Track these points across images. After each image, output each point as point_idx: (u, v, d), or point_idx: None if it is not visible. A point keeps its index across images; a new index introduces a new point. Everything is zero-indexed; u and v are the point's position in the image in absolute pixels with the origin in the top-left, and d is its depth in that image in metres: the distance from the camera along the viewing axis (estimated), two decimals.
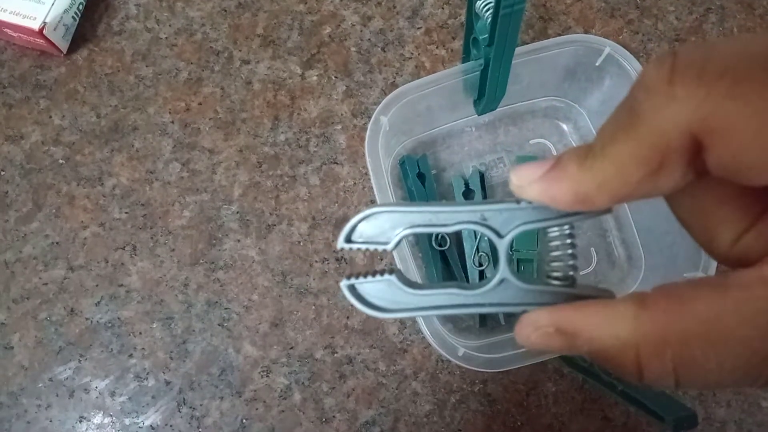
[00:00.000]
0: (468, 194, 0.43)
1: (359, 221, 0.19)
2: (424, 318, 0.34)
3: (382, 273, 0.20)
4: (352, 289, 0.20)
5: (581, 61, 0.40)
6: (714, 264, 0.35)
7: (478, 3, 0.34)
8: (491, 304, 0.20)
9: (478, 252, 0.42)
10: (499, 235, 0.19)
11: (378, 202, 0.36)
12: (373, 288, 0.20)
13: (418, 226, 0.19)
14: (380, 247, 0.20)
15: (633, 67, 0.38)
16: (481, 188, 0.43)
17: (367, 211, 0.19)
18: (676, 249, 0.38)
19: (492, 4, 0.32)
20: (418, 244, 0.43)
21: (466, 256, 0.42)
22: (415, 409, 0.41)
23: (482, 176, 0.43)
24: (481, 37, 0.34)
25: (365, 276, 0.19)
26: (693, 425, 0.26)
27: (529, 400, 0.41)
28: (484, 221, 0.19)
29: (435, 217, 0.19)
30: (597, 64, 0.39)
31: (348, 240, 0.20)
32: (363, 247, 0.20)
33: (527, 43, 0.40)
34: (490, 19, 0.32)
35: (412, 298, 0.20)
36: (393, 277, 0.19)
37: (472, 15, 0.35)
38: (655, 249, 0.41)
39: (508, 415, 0.41)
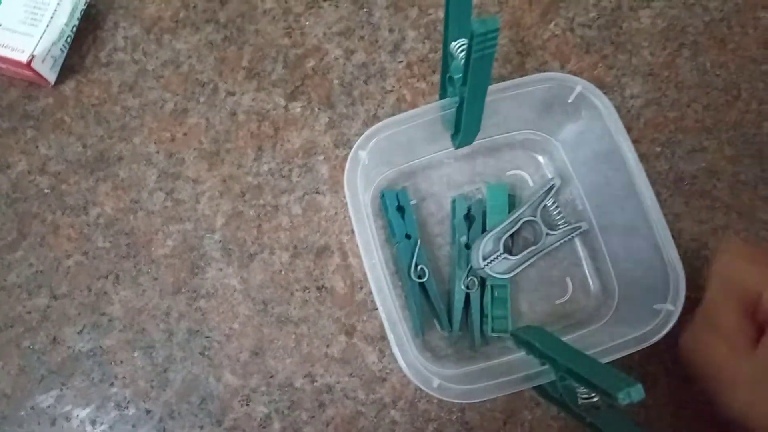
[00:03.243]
0: (469, 218, 0.44)
1: None
2: (400, 348, 0.35)
3: None
4: None
5: (555, 96, 0.41)
6: (682, 296, 0.36)
7: (453, 44, 0.35)
8: None
9: (468, 276, 0.43)
10: None
11: (357, 235, 0.37)
12: None
13: None
14: None
15: (603, 103, 0.39)
16: (482, 217, 0.44)
17: None
18: (646, 281, 0.39)
19: (465, 46, 0.33)
20: (398, 273, 0.44)
21: (455, 279, 0.43)
22: None
23: (484, 210, 0.44)
24: (456, 76, 0.36)
25: None
26: None
27: (506, 428, 0.42)
28: None
29: None
30: (569, 101, 0.40)
31: None
32: None
33: (505, 77, 0.41)
34: (463, 60, 0.33)
35: None
36: None
37: (447, 55, 0.36)
38: (628, 280, 0.42)
39: None
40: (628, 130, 0.47)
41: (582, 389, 0.32)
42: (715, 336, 0.35)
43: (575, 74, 0.45)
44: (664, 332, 0.36)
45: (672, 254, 0.37)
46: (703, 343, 0.35)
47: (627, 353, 0.36)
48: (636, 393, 0.26)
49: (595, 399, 0.31)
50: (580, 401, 0.32)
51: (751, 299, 0.34)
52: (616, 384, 0.27)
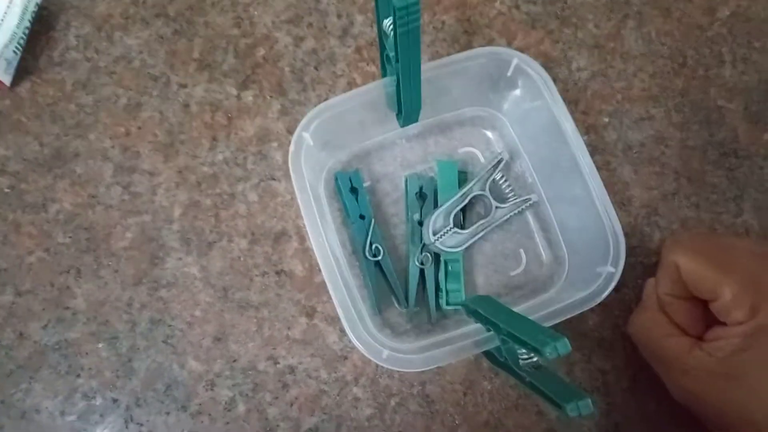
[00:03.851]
0: (422, 196, 0.45)
1: None
2: (349, 322, 0.36)
3: None
4: None
5: (498, 72, 0.42)
6: (622, 259, 0.37)
7: (385, 22, 0.35)
8: None
9: (422, 252, 0.43)
10: None
11: (304, 217, 0.38)
12: None
13: None
14: None
15: (539, 74, 0.40)
16: (433, 194, 0.45)
17: None
18: (593, 248, 0.40)
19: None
20: (355, 254, 0.44)
21: (410, 256, 0.44)
22: (356, 414, 0.43)
23: (436, 188, 0.45)
24: (390, 54, 0.36)
25: None
26: (588, 411, 0.28)
27: (466, 399, 0.43)
28: None
29: None
30: (508, 74, 0.41)
31: None
32: None
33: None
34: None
35: None
36: None
37: (381, 33, 0.37)
38: (577, 247, 0.43)
39: (446, 414, 0.43)
40: (576, 102, 0.48)
41: (522, 351, 0.33)
42: (668, 326, 0.37)
43: (521, 50, 0.45)
44: (606, 293, 0.37)
45: (612, 219, 0.38)
46: (656, 332, 0.38)
47: (572, 315, 0.37)
48: (562, 347, 0.27)
49: (534, 359, 0.32)
50: (522, 362, 0.33)
51: (705, 298, 0.36)
52: (543, 340, 0.28)
